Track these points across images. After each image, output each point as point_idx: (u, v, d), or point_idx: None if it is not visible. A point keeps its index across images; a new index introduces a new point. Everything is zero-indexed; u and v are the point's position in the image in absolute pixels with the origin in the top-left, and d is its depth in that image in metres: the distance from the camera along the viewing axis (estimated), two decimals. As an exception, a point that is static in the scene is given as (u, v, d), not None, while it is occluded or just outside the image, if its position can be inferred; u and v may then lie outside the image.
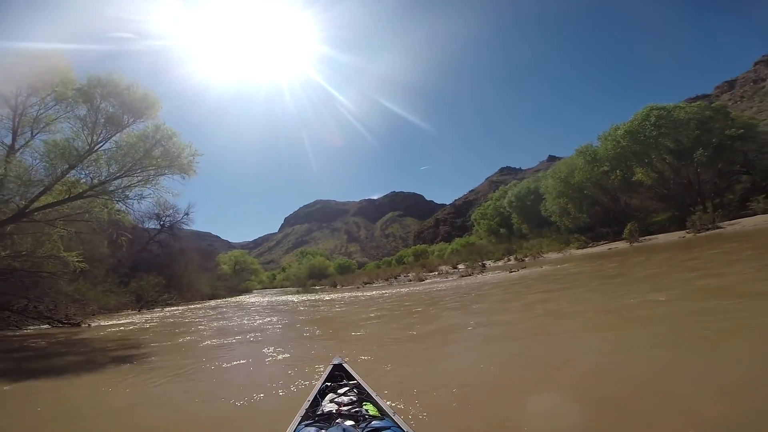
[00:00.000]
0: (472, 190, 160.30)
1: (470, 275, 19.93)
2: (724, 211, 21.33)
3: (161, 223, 30.50)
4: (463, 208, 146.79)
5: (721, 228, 19.48)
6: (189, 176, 10.41)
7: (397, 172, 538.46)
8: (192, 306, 20.61)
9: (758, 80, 74.24)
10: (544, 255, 27.49)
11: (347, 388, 2.54)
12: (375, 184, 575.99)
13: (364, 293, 18.29)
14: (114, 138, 10.03)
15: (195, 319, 13.07)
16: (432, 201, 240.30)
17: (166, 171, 9.97)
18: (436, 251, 66.83)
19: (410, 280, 24.62)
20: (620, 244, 23.58)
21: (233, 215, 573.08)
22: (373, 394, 2.41)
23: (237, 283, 44.92)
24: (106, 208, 9.85)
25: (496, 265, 26.96)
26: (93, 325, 11.60)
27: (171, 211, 30.69)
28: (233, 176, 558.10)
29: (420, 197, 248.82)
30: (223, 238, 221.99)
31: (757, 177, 25.96)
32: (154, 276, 20.49)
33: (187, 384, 4.39)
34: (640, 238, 23.17)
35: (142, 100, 10.22)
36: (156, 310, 18.31)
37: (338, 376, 2.91)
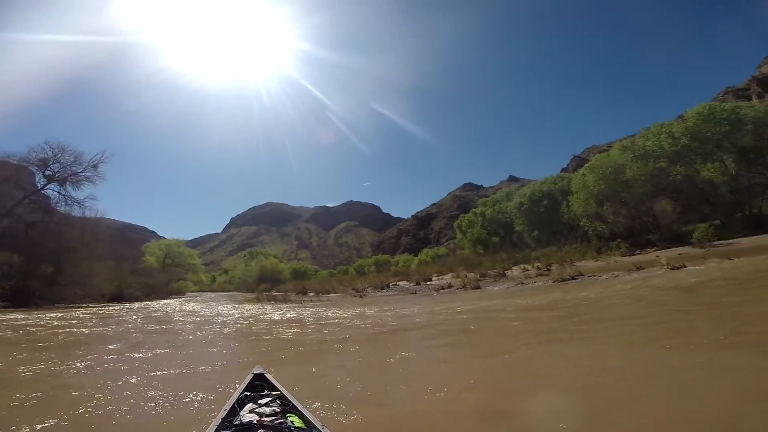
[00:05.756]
0: (434, 204, 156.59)
1: (564, 281, 12.71)
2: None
3: (46, 173, 19.01)
4: (425, 220, 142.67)
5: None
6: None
7: (354, 182, 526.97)
8: (45, 317, 10.57)
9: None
10: (576, 264, 22.12)
11: (269, 399, 2.24)
12: (332, 191, 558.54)
13: (432, 308, 9.83)
14: None
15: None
16: (389, 213, 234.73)
17: None
18: (400, 262, 64.14)
19: (449, 287, 16.71)
20: (688, 250, 18.91)
21: (173, 211, 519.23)
22: (299, 406, 2.10)
23: (165, 280, 33.39)
24: None
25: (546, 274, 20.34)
26: None
27: (70, 157, 19.74)
28: (178, 170, 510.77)
29: (377, 209, 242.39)
30: (159, 234, 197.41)
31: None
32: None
33: None
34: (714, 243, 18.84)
35: None
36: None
37: (259, 386, 2.52)
